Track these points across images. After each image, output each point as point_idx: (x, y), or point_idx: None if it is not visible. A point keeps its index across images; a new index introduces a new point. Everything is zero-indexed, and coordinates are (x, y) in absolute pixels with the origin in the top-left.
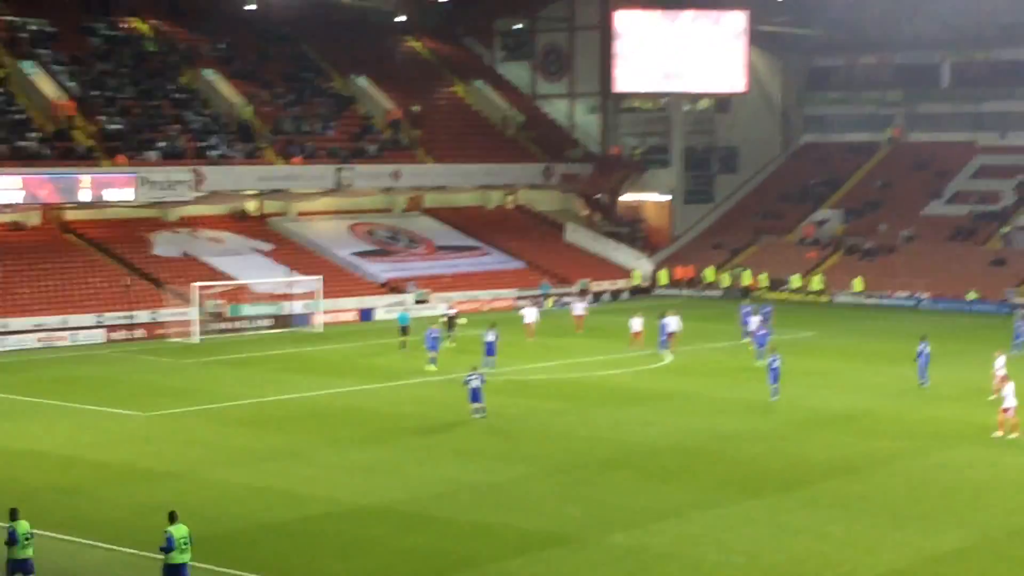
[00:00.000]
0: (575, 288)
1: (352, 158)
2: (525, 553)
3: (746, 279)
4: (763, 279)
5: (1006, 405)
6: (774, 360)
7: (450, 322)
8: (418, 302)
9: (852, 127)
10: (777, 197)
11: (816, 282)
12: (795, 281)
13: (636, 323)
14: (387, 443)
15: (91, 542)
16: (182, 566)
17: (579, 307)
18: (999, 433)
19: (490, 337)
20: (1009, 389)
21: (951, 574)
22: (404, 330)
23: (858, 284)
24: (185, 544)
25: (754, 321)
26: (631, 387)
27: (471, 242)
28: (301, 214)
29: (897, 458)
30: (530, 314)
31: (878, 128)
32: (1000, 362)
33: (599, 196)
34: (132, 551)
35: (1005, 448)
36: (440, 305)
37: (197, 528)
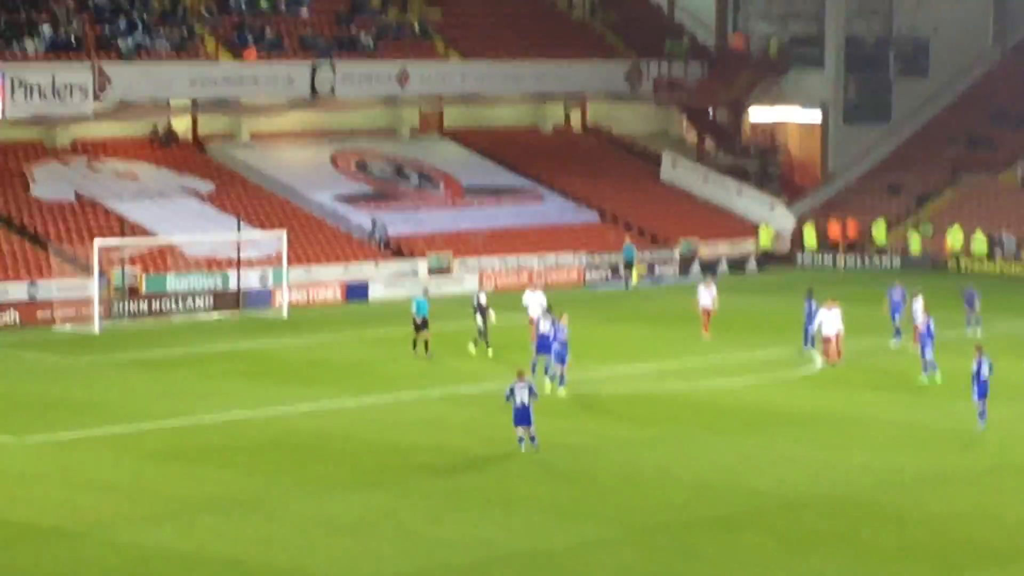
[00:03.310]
0: (675, 253)
1: (336, 51)
2: None
3: (955, 241)
4: (979, 242)
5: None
6: (981, 365)
7: (481, 313)
8: (436, 271)
9: None
10: (988, 116)
11: None
12: None
13: (830, 322)
14: (386, 487)
15: None
16: None
17: (706, 295)
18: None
19: (544, 327)
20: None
21: None
22: (422, 324)
23: None
24: None
25: (918, 311)
26: (760, 406)
27: (517, 181)
28: (257, 137)
29: None
30: (534, 302)
31: None
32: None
33: (714, 113)
34: None
35: None
36: (466, 276)
37: None
